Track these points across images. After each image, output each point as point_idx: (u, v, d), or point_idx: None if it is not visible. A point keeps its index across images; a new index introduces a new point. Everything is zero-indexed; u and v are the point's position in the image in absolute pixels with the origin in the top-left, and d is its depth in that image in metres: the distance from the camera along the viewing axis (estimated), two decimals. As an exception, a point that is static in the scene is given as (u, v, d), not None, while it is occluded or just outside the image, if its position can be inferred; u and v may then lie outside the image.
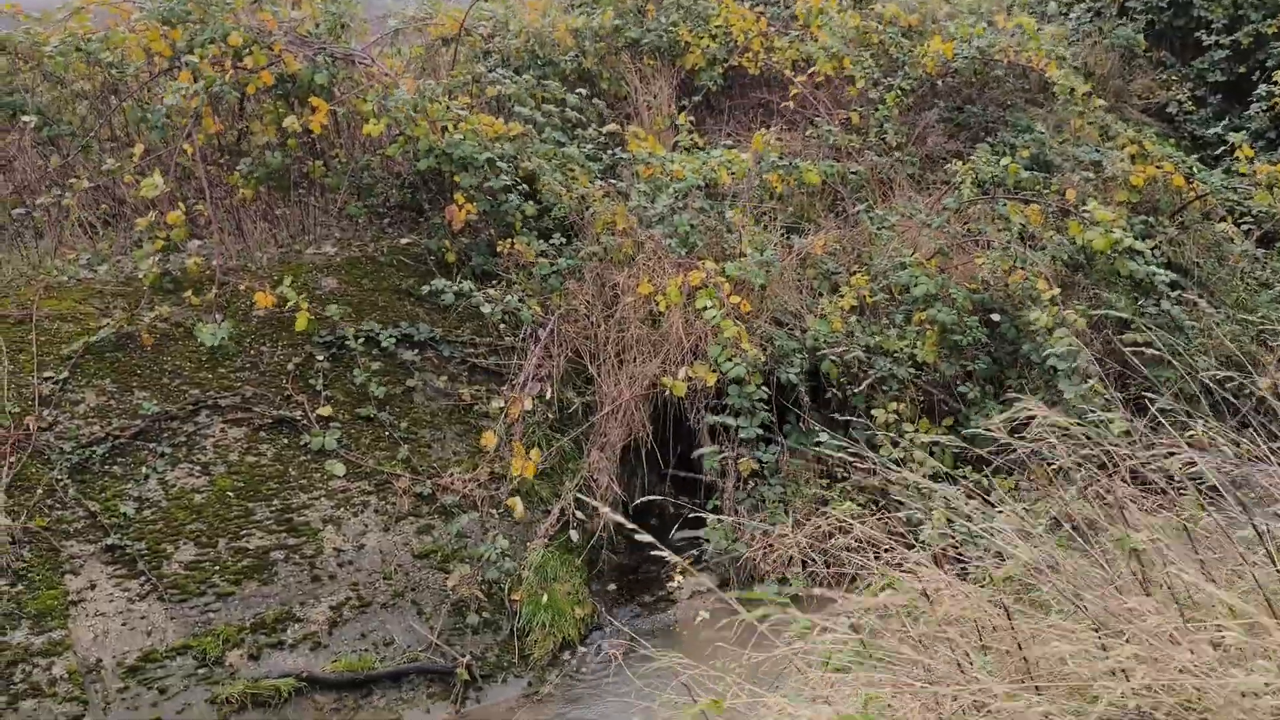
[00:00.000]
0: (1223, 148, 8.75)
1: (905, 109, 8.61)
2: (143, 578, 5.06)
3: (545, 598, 5.54)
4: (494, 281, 6.64)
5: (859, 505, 3.58)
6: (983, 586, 2.79)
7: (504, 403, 6.10)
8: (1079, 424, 2.85)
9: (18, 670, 4.68)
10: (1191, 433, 2.86)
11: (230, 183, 6.57)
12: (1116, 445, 2.80)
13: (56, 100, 6.76)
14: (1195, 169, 8.20)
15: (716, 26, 8.83)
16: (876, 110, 8.36)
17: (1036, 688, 2.16)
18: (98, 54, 6.47)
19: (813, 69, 8.31)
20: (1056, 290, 6.25)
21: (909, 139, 8.40)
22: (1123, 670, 2.23)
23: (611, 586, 6.15)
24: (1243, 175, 8.13)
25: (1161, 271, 6.85)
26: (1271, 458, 2.79)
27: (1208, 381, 3.87)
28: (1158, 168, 7.84)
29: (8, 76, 6.57)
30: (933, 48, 8.57)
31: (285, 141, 6.58)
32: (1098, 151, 8.12)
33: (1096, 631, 2.29)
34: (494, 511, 5.81)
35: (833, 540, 3.08)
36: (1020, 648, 2.35)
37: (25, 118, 6.41)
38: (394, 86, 6.44)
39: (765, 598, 2.62)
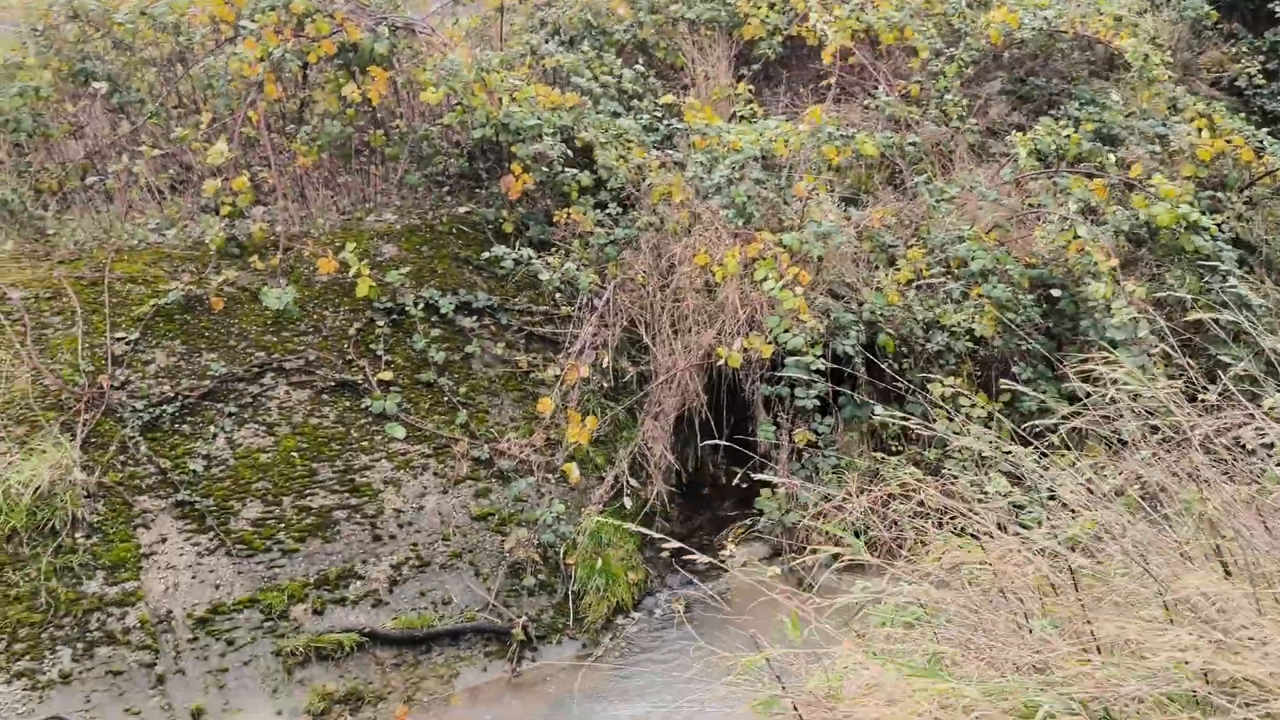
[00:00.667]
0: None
1: (967, 81, 8.48)
2: (211, 533, 5.22)
3: (599, 562, 5.62)
4: (550, 251, 6.69)
5: (918, 476, 3.58)
6: (1043, 555, 2.78)
7: (560, 370, 6.17)
8: (1144, 384, 2.83)
9: (93, 619, 4.86)
10: (1271, 403, 2.82)
11: (294, 150, 6.67)
12: (1187, 413, 2.78)
13: (126, 67, 6.91)
14: (1267, 143, 7.98)
15: (775, -4, 8.75)
16: (937, 81, 8.25)
17: (1098, 648, 2.16)
18: (164, 19, 6.60)
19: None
20: (1115, 261, 6.15)
21: (970, 111, 8.28)
22: (1193, 648, 2.23)
23: (664, 553, 6.20)
24: (1315, 150, 7.90)
25: (1228, 248, 6.70)
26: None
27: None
28: (1227, 142, 7.65)
29: (80, 44, 6.73)
30: (997, 18, 8.42)
31: (345, 110, 6.67)
32: (1164, 125, 7.94)
33: (1164, 604, 2.28)
34: (549, 476, 5.89)
35: (893, 506, 3.09)
36: (1084, 610, 2.36)
37: (96, 84, 6.56)
38: (448, 55, 6.49)
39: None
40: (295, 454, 5.58)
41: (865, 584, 3.01)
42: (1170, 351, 3.46)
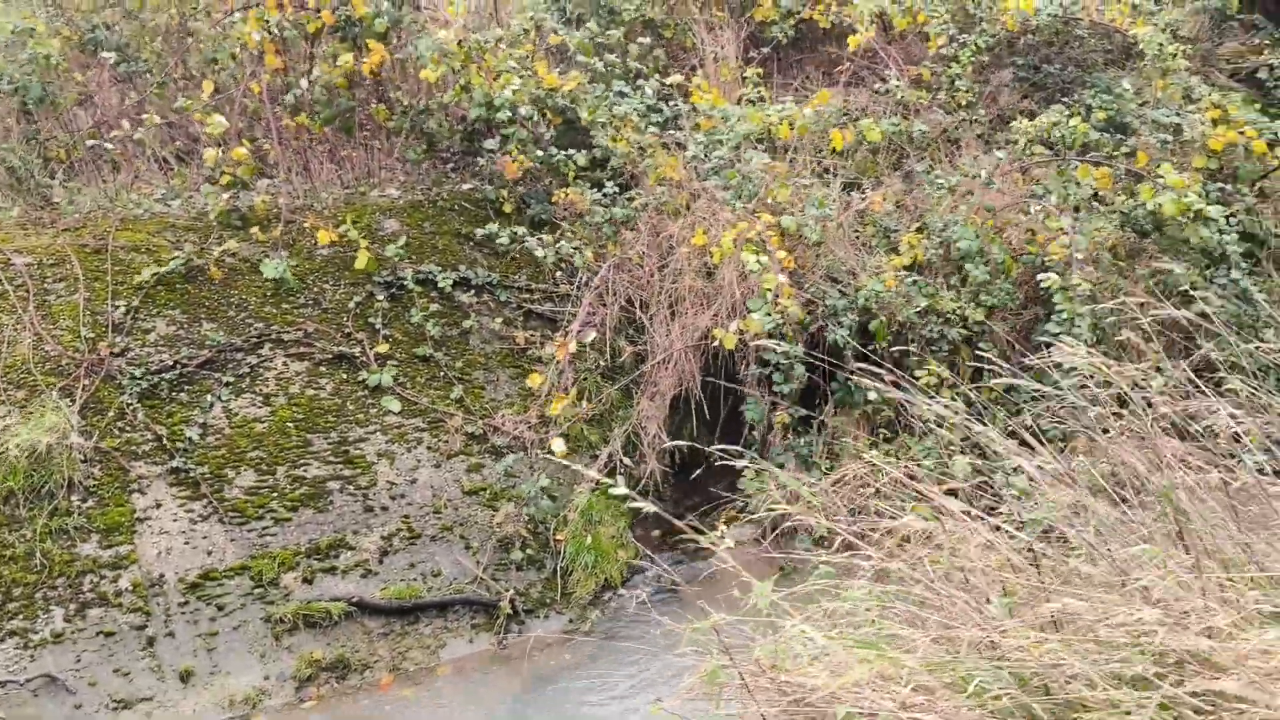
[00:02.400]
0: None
1: (979, 67, 8.42)
2: (205, 500, 5.29)
3: (589, 539, 5.66)
4: (550, 229, 6.71)
5: (893, 455, 3.59)
6: (1005, 536, 2.79)
7: (555, 347, 6.19)
8: (1099, 369, 2.83)
9: (86, 580, 4.94)
10: (1228, 387, 2.81)
11: (298, 123, 6.71)
12: (1158, 397, 2.77)
13: (135, 36, 6.96)
14: (1280, 134, 7.88)
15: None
16: (949, 67, 8.19)
17: (1056, 625, 2.17)
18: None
19: (864, 30, 8.07)
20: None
21: (980, 98, 8.21)
22: (1140, 623, 2.23)
23: (655, 533, 6.24)
24: (1331, 143, 7.78)
25: (1234, 240, 6.64)
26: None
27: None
28: (1240, 133, 7.55)
29: (91, 12, 6.78)
30: (1012, 4, 8.34)
31: (339, 83, 6.69)
32: (1178, 114, 7.85)
33: (1122, 584, 2.29)
34: (540, 452, 5.92)
35: (862, 487, 3.10)
36: (1041, 590, 2.37)
37: (105, 54, 6.61)
38: (437, 34, 6.50)
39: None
40: (291, 424, 5.64)
41: (829, 568, 3.03)
42: (1137, 341, 3.44)
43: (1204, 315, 5.19)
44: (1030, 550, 2.59)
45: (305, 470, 5.53)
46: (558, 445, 5.58)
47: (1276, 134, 7.86)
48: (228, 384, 5.68)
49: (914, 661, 2.03)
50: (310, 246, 6.32)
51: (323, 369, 5.92)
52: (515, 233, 6.42)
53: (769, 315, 5.85)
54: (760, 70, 8.14)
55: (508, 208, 6.83)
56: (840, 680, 1.98)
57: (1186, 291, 6.20)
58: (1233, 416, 2.87)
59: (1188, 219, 6.63)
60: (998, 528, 2.71)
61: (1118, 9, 8.43)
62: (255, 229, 6.20)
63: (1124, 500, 2.81)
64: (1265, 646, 2.09)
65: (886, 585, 2.78)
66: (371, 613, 5.23)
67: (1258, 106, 8.80)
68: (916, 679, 2.00)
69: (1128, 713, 1.88)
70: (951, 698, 1.97)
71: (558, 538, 5.65)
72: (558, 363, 6.10)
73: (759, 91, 7.89)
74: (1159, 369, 3.12)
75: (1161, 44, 8.09)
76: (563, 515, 5.70)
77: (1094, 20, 8.52)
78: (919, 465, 3.06)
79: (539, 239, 6.41)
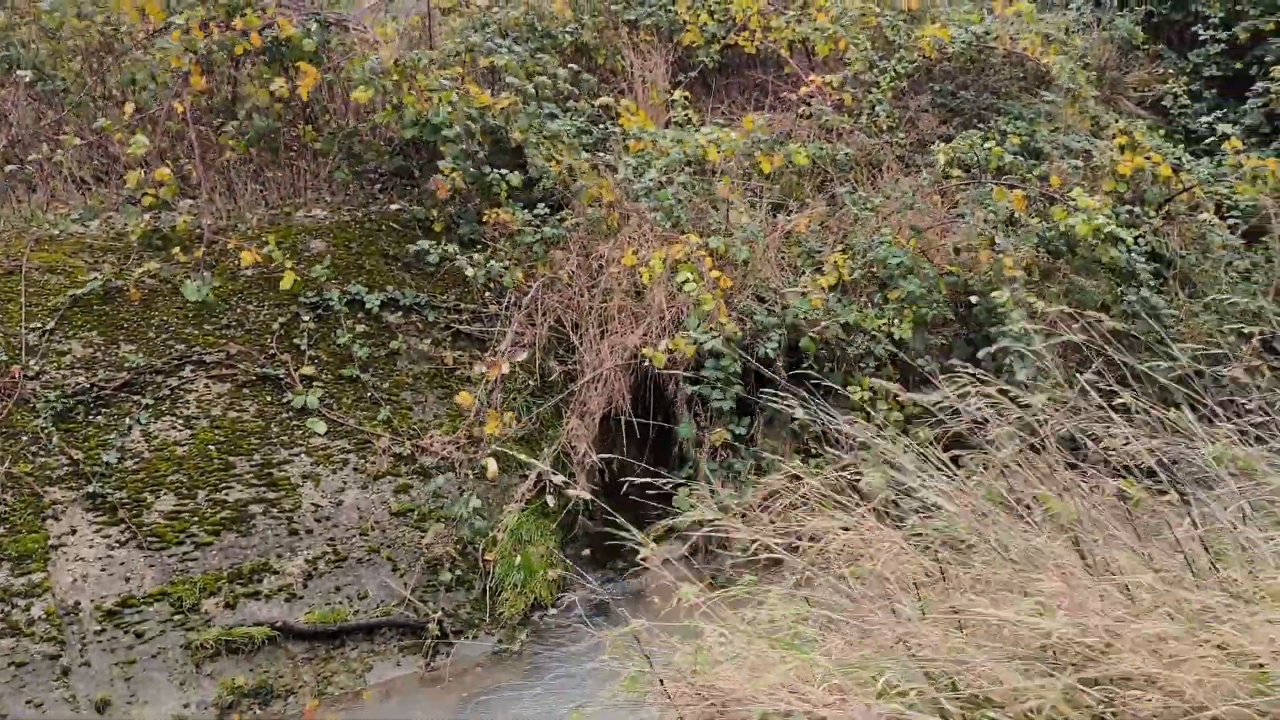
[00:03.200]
0: (1212, 138, 8.78)
1: (899, 93, 8.67)
2: (123, 525, 5.16)
3: (519, 559, 5.64)
4: (479, 249, 6.72)
5: (818, 469, 3.67)
6: (922, 544, 2.87)
7: (485, 367, 6.19)
8: (1002, 391, 2.94)
9: (-3, 610, 4.78)
10: (1120, 401, 2.94)
11: (220, 143, 6.64)
12: (1042, 415, 2.89)
13: (53, 55, 6.83)
14: (1184, 160, 8.24)
15: (715, 4, 8.87)
16: (870, 93, 8.41)
17: (960, 625, 2.25)
18: (91, 13, 6.54)
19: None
20: (1020, 272, 6.32)
21: (900, 122, 8.45)
22: (1040, 605, 2.32)
23: (585, 551, 6.24)
24: (1230, 168, 8.17)
25: (1143, 259, 6.92)
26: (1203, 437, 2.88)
27: (1182, 367, 3.93)
28: (1146, 159, 7.88)
29: (6, 31, 6.64)
30: (930, 32, 8.62)
31: (271, 105, 6.64)
32: (1088, 140, 8.17)
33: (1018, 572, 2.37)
34: (469, 473, 5.91)
35: (783, 499, 3.16)
36: (946, 594, 2.44)
37: (20, 72, 6.47)
38: (373, 55, 6.50)
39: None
40: (212, 447, 5.54)
41: (752, 578, 3.08)
42: (1060, 365, 3.57)
43: (1116, 333, 5.40)
44: (936, 559, 2.68)
45: (227, 494, 5.44)
46: (491, 465, 5.58)
47: (1180, 160, 8.23)
48: (147, 406, 5.57)
49: (828, 662, 2.09)
50: (233, 267, 6.24)
51: (246, 391, 5.83)
52: (446, 251, 6.42)
53: (707, 333, 5.94)
54: (688, 94, 8.27)
55: (438, 227, 6.82)
56: (756, 681, 2.03)
57: (1101, 309, 6.45)
58: (1131, 438, 2.99)
59: (1099, 240, 6.90)
60: (916, 534, 2.79)
61: (1030, 38, 8.76)
62: (177, 250, 6.10)
63: (1028, 511, 2.91)
64: (1159, 633, 2.20)
65: (807, 592, 2.84)
66: (295, 637, 5.15)
67: (1162, 133, 9.20)
68: (830, 680, 2.05)
69: (1031, 703, 1.95)
70: (864, 696, 2.03)
71: (487, 558, 5.62)
72: (488, 382, 6.10)
73: (687, 114, 8.02)
74: (1065, 387, 3.24)
75: (1073, 70, 8.41)
76: (492, 535, 5.68)
77: (1008, 49, 8.83)
78: (839, 477, 3.13)
79: (469, 258, 6.41)
